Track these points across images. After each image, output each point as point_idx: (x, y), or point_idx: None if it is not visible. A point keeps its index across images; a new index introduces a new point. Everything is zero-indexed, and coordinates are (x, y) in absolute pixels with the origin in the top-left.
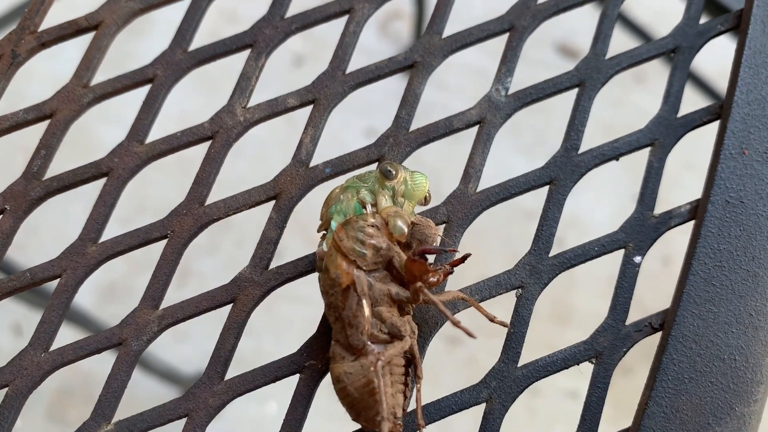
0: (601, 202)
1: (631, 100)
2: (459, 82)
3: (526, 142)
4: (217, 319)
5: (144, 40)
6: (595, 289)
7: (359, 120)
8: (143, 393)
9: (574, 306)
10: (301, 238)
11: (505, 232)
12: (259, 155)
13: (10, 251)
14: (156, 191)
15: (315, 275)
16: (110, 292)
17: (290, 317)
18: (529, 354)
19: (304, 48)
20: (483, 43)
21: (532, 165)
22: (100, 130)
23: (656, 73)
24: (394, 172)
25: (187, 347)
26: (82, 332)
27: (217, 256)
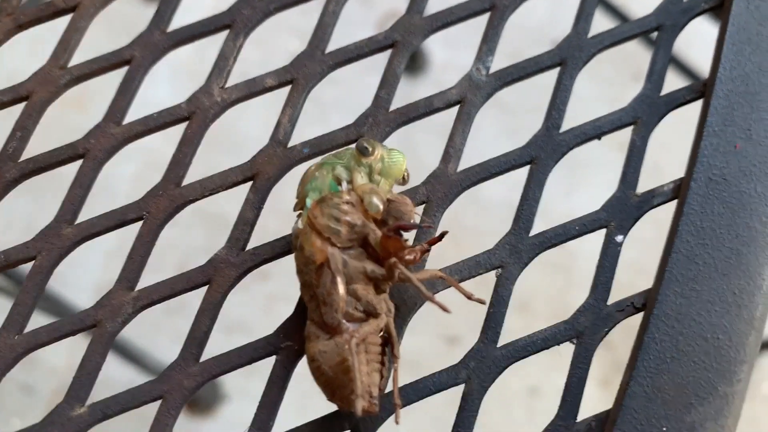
0: (598, 203)
1: (628, 99)
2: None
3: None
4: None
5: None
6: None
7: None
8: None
9: (572, 306)
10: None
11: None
12: (242, 148)
13: None
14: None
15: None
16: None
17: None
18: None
19: (301, 47)
20: (465, 22)
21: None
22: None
23: None
24: (370, 149)
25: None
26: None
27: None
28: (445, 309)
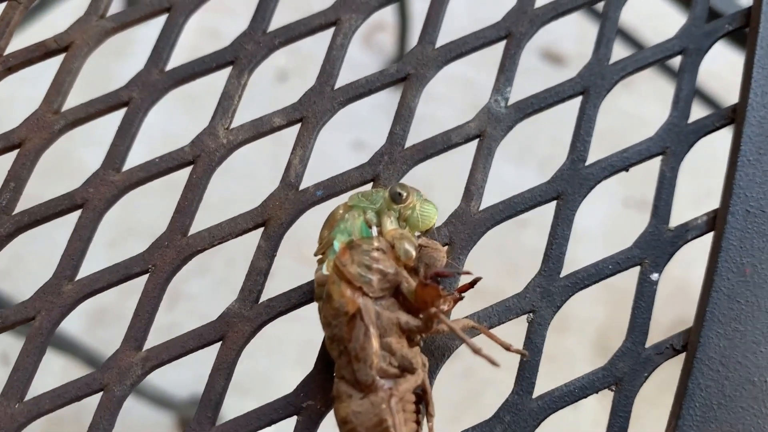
0: (593, 207)
1: (618, 106)
2: (446, 92)
3: (539, 156)
4: None
5: (127, 62)
6: (592, 294)
7: (345, 133)
8: (136, 419)
9: (572, 312)
10: (293, 258)
11: (498, 242)
12: (247, 174)
13: None
14: (143, 214)
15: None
16: (100, 318)
17: (284, 336)
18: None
19: (288, 63)
20: (478, 52)
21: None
22: (84, 153)
23: (642, 78)
24: (404, 195)
25: (181, 371)
26: (72, 360)
27: (207, 277)
28: (493, 363)
